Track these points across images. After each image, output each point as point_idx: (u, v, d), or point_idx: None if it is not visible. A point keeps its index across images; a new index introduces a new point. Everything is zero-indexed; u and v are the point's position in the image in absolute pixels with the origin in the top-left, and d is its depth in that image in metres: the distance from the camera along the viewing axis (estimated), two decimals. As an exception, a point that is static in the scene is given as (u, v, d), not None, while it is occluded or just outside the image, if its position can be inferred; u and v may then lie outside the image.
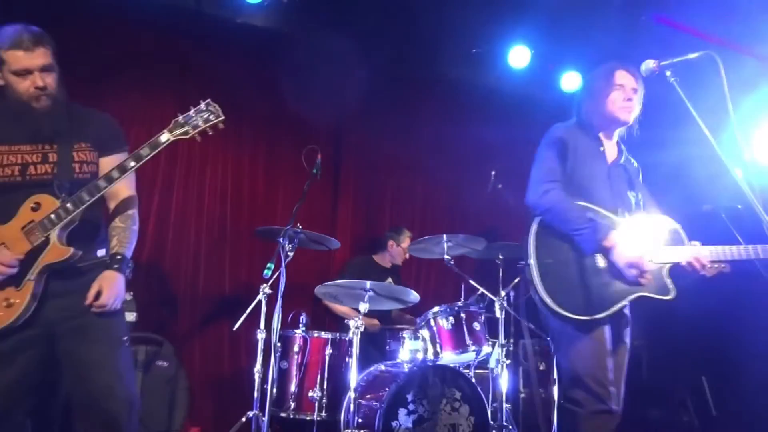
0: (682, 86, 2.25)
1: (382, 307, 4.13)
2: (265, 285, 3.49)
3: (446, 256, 3.79)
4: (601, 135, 2.57)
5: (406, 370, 3.46)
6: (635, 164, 2.67)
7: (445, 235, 3.77)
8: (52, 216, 2.08)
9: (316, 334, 3.81)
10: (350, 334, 3.45)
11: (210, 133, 2.24)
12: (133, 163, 2.15)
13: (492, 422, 3.48)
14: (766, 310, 3.98)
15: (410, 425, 3.26)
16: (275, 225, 3.92)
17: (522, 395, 4.82)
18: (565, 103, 5.47)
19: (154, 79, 4.43)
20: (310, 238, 3.80)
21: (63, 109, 2.22)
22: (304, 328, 3.81)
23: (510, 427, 3.48)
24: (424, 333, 3.74)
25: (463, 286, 4.07)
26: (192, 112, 2.22)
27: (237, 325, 3.64)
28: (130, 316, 3.79)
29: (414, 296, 3.62)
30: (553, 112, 5.57)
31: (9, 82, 2.13)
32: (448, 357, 3.64)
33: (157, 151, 2.18)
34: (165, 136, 2.18)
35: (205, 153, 4.55)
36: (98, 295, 2.12)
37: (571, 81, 5.27)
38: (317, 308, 4.60)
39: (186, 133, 2.20)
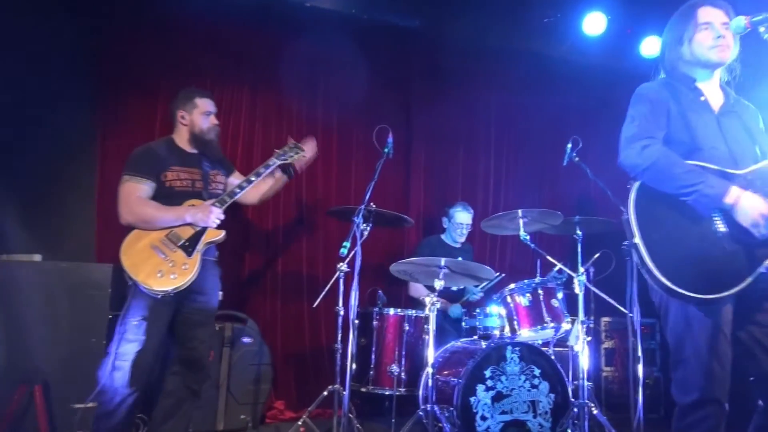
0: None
1: (457, 285, 4.13)
2: (342, 263, 3.56)
3: (522, 232, 3.72)
4: (698, 84, 2.26)
5: (484, 346, 3.45)
6: (751, 106, 2.31)
7: (520, 211, 3.68)
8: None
9: (392, 312, 3.86)
10: (426, 311, 3.46)
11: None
12: (254, 178, 3.17)
13: (573, 400, 3.42)
14: None
15: (489, 401, 3.26)
16: (349, 205, 3.99)
17: (604, 374, 4.71)
18: (645, 70, 5.20)
19: (230, 67, 4.57)
20: (384, 216, 3.83)
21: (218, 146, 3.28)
22: (381, 306, 3.87)
23: (592, 405, 3.40)
24: (501, 310, 3.71)
25: (539, 262, 3.99)
26: (286, 147, 3.34)
27: (316, 303, 3.74)
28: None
29: (489, 273, 3.59)
30: (632, 81, 5.30)
31: (194, 120, 3.18)
32: (526, 334, 3.60)
33: (269, 170, 3.25)
34: (273, 161, 3.27)
35: (280, 137, 4.67)
36: None
37: (651, 46, 5.00)
38: (393, 286, 4.65)
39: (285, 160, 3.31)
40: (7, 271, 3.29)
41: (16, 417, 3.07)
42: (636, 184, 2.11)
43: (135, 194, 2.98)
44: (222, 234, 3.05)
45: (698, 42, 2.22)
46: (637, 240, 2.02)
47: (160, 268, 2.85)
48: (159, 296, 2.83)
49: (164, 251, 2.90)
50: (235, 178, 3.36)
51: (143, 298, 2.85)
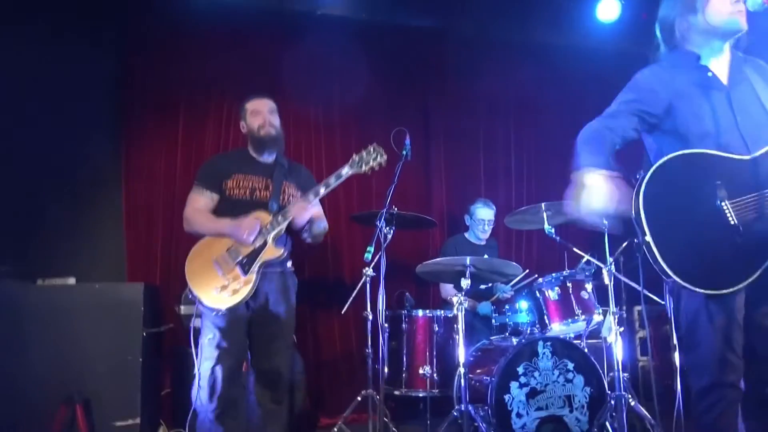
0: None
1: (484, 283, 4.11)
2: (367, 268, 3.57)
3: (546, 226, 3.69)
4: (706, 61, 2.10)
5: (515, 343, 3.43)
6: (761, 63, 2.14)
7: (543, 204, 3.66)
8: (268, 225, 2.91)
9: (421, 313, 3.86)
10: (454, 311, 3.46)
11: (376, 170, 3.00)
12: (323, 190, 2.95)
13: (609, 392, 3.37)
14: None
15: (523, 398, 3.24)
16: (371, 209, 4.00)
17: (640, 364, 4.63)
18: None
19: (246, 79, 4.63)
20: (407, 219, 3.83)
21: (281, 149, 3.14)
22: (409, 308, 3.88)
23: (629, 396, 3.35)
24: (530, 305, 3.69)
25: (567, 254, 3.95)
26: (364, 153, 2.98)
27: (344, 309, 3.76)
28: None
29: (516, 268, 3.57)
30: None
31: (249, 125, 3.09)
32: (557, 328, 3.58)
33: (341, 180, 2.96)
34: (346, 170, 2.96)
35: (299, 143, 4.72)
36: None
37: (668, 28, 4.91)
38: (420, 288, 4.65)
39: (360, 168, 2.97)
40: (45, 294, 3.39)
41: (60, 437, 3.16)
42: (645, 178, 1.98)
43: (193, 204, 3.04)
44: (281, 252, 2.93)
45: (714, 8, 2.04)
46: (648, 238, 1.93)
47: (216, 285, 2.85)
48: (214, 313, 2.84)
49: (223, 267, 2.88)
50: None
51: (208, 314, 2.87)
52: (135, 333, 3.43)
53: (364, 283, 3.66)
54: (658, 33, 2.25)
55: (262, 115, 3.08)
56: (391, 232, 3.63)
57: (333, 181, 2.96)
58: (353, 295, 3.74)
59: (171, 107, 4.45)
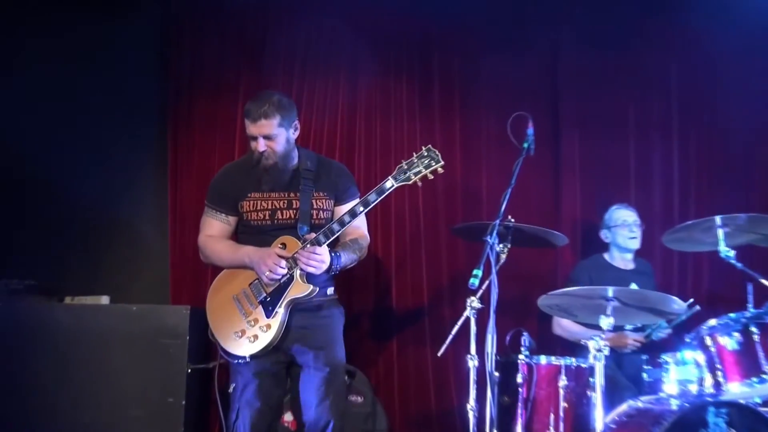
0: None
1: (632, 321, 3.95)
2: (472, 298, 3.51)
3: (723, 247, 3.49)
4: None
5: (675, 407, 3.25)
6: None
7: (718, 218, 3.47)
8: (296, 256, 2.95)
9: (544, 360, 3.75)
10: (591, 359, 3.32)
11: (431, 178, 2.99)
12: (361, 209, 3.02)
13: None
14: None
15: (689, 483, 3.06)
16: (480, 220, 3.93)
17: None
18: None
19: (319, 53, 4.77)
20: (527, 233, 3.74)
21: (289, 165, 3.16)
22: (527, 353, 3.77)
23: None
24: (698, 356, 3.49)
25: (752, 288, 3.71)
26: (415, 158, 2.98)
27: (442, 350, 3.70)
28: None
29: (678, 305, 3.40)
30: None
31: (250, 146, 3.12)
32: (736, 389, 3.34)
33: (383, 196, 2.98)
34: (390, 183, 2.97)
35: (386, 132, 4.75)
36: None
37: None
38: (543, 325, 4.52)
39: (408, 179, 2.97)
40: (72, 315, 3.58)
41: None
42: None
43: (206, 231, 3.22)
44: (309, 290, 3.00)
45: None
46: None
47: (236, 329, 3.02)
48: (236, 361, 3.03)
49: (244, 307, 3.04)
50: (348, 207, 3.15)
51: (230, 361, 3.07)
52: (178, 368, 3.55)
53: (468, 318, 3.60)
54: None
55: (256, 140, 3.07)
56: (506, 251, 3.57)
57: (373, 199, 3.00)
58: (453, 332, 3.67)
59: (227, 93, 4.61)
